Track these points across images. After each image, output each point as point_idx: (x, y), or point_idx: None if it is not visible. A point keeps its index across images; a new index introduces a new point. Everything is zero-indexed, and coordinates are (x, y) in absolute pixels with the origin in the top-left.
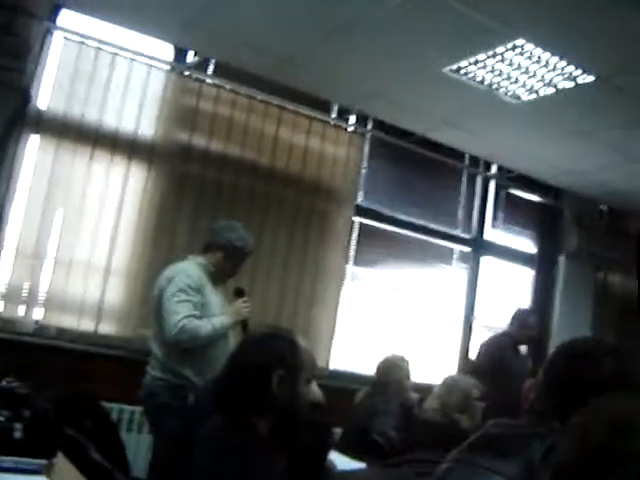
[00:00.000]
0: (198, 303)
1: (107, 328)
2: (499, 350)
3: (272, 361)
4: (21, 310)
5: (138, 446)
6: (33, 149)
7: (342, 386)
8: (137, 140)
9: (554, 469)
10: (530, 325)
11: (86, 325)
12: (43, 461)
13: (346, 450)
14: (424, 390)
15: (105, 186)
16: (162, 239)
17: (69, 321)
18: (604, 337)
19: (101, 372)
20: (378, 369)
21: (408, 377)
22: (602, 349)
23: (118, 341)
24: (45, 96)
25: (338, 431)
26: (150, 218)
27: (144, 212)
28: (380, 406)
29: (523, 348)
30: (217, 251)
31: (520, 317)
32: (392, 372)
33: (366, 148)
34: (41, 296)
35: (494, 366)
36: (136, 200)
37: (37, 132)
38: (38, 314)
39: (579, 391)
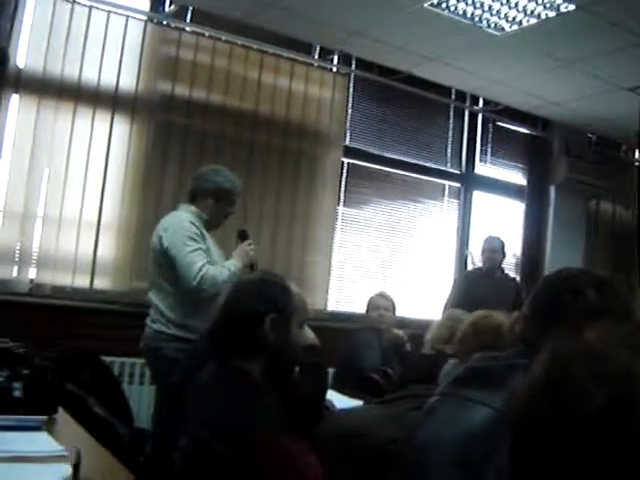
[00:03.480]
0: (206, 250)
1: (102, 283)
2: (459, 282)
3: (264, 305)
4: (15, 270)
5: (140, 398)
6: (14, 109)
7: (342, 327)
8: (119, 93)
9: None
10: (483, 249)
11: (80, 281)
12: (44, 417)
13: (340, 388)
14: (422, 326)
15: (90, 141)
16: (150, 191)
17: (63, 278)
18: (596, 266)
19: (98, 327)
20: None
21: (385, 310)
22: (587, 279)
23: (114, 295)
24: (23, 55)
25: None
26: (137, 170)
27: (130, 165)
28: (359, 340)
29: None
30: (206, 197)
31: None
32: (368, 307)
33: (351, 88)
34: (34, 255)
35: (458, 297)
36: (122, 153)
37: (17, 92)
38: (32, 273)
39: (563, 322)
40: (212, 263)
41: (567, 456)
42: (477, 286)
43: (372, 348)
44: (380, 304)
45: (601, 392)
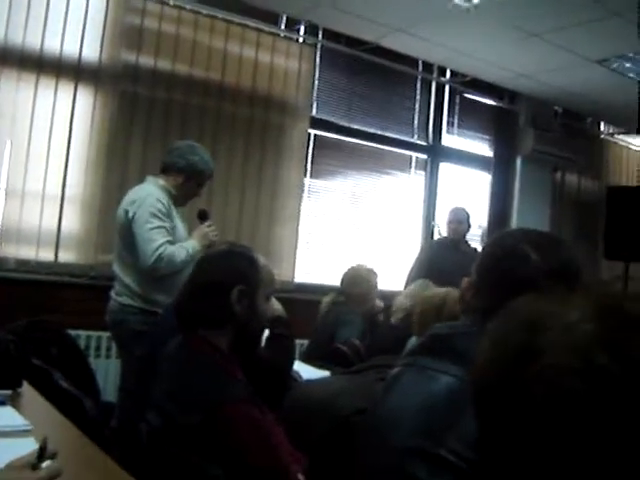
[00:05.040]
0: (169, 228)
1: (67, 256)
2: (423, 252)
3: (231, 277)
4: None
5: (107, 371)
6: None
7: (309, 298)
8: (82, 63)
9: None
10: (449, 220)
11: (45, 255)
12: (8, 392)
13: (313, 360)
14: (387, 297)
15: (53, 112)
16: (115, 163)
17: (27, 252)
18: (561, 236)
19: (64, 301)
20: (343, 280)
21: (375, 288)
22: (528, 241)
23: (79, 269)
24: None
25: (303, 342)
26: (101, 142)
27: (95, 136)
28: (344, 316)
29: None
30: (178, 174)
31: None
32: (359, 284)
33: (318, 59)
34: None
35: (422, 268)
36: (86, 125)
37: None
38: None
39: (508, 288)
40: (176, 241)
41: (534, 417)
42: (442, 257)
43: (355, 325)
44: (375, 282)
45: (569, 358)
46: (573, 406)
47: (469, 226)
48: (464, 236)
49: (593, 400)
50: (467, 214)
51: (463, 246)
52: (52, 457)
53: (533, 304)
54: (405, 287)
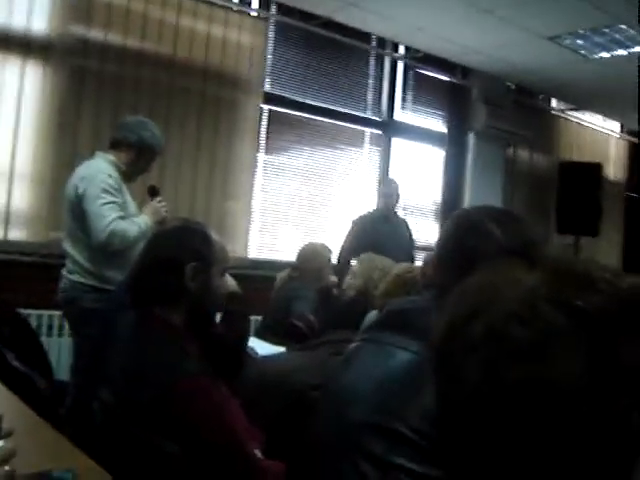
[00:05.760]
0: (121, 204)
1: (17, 234)
2: (355, 226)
3: (185, 254)
4: None
5: (60, 350)
6: None
7: (265, 274)
8: (31, 37)
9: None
10: (381, 193)
11: None
12: None
13: (267, 336)
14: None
15: (1, 87)
16: (65, 138)
17: None
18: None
19: (15, 279)
20: (299, 255)
21: (329, 263)
22: (491, 219)
23: (29, 247)
24: None
25: (259, 319)
26: (51, 118)
27: (44, 112)
28: (298, 292)
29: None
30: (128, 149)
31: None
32: (313, 259)
33: (272, 34)
34: None
35: (355, 242)
36: (35, 100)
37: None
38: None
39: (469, 264)
40: (127, 217)
41: (479, 369)
42: (373, 230)
43: (308, 300)
44: (329, 258)
45: (514, 307)
46: (517, 353)
47: (398, 197)
48: (394, 208)
49: (538, 347)
50: (397, 186)
51: (393, 218)
52: (7, 436)
53: (489, 274)
54: (338, 259)
